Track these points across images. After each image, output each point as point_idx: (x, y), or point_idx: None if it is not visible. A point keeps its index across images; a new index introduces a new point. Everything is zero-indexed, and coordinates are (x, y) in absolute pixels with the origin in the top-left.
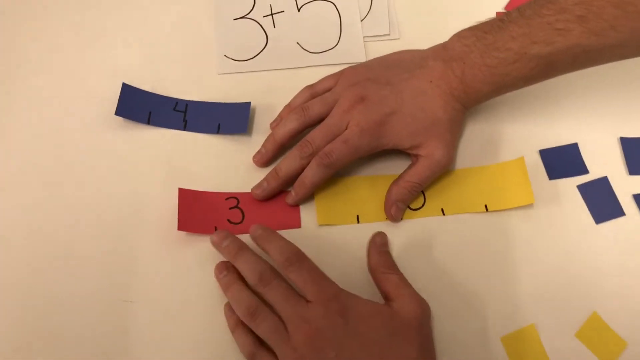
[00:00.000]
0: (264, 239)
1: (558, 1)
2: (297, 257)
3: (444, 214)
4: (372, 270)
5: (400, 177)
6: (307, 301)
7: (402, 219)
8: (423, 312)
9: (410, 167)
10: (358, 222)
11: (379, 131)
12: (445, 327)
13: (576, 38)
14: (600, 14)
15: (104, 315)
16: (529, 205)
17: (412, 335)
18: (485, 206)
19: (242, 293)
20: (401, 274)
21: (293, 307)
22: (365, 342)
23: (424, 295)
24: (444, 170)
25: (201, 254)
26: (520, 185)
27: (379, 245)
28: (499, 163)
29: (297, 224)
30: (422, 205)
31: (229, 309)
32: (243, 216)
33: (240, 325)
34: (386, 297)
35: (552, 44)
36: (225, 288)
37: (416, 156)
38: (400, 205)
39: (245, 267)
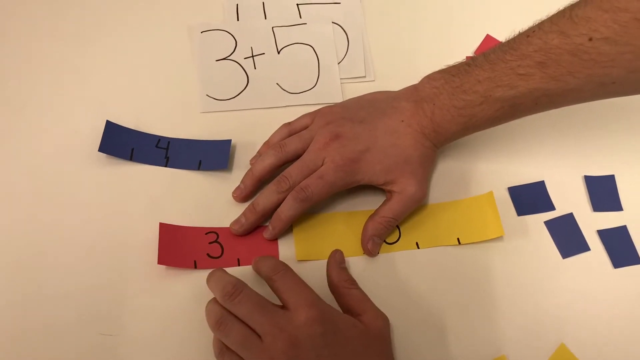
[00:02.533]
0: (257, 261)
1: (520, 48)
2: (284, 267)
3: (418, 248)
4: (334, 285)
5: (375, 212)
6: (286, 310)
7: (378, 253)
8: (387, 326)
9: (385, 202)
10: None
11: (353, 167)
12: (418, 358)
13: (537, 82)
14: (558, 61)
15: (84, 348)
16: (500, 239)
17: (383, 348)
18: (458, 239)
19: (211, 306)
20: (361, 289)
21: (268, 316)
22: (342, 352)
23: (399, 326)
24: (418, 204)
25: (181, 288)
26: (490, 219)
27: (338, 261)
28: (469, 198)
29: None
30: (398, 239)
31: (215, 338)
32: (222, 250)
33: (225, 351)
34: (350, 312)
35: (515, 87)
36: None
37: (390, 192)
38: (377, 240)
39: (212, 285)
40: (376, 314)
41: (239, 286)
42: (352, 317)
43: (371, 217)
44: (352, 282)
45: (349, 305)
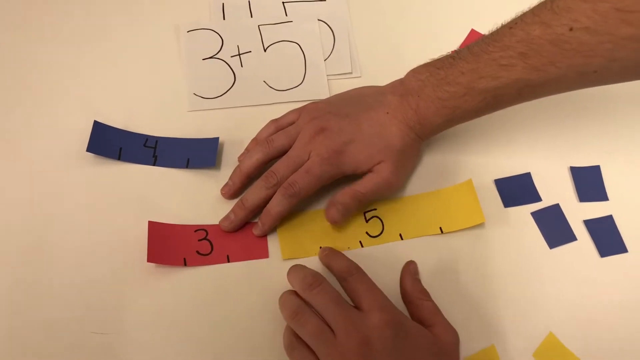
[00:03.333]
0: (328, 256)
1: (502, 39)
2: (358, 269)
3: (402, 239)
4: (407, 295)
5: (347, 185)
6: (359, 310)
7: (340, 222)
8: (458, 341)
9: (359, 179)
10: None
11: (338, 159)
12: None
13: (519, 73)
14: (539, 51)
15: (76, 347)
16: (486, 230)
17: None
18: (440, 228)
19: (288, 296)
20: (434, 301)
21: (343, 312)
22: (410, 358)
23: None
24: (389, 190)
25: (171, 285)
26: (471, 207)
27: (412, 272)
28: (449, 187)
29: (265, 255)
30: (381, 232)
31: (287, 331)
32: (212, 247)
33: (293, 335)
34: (421, 323)
35: (498, 78)
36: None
37: (368, 172)
38: (340, 207)
39: (292, 277)
40: (447, 328)
41: (318, 278)
42: (423, 327)
43: (343, 188)
44: (426, 294)
45: (421, 316)
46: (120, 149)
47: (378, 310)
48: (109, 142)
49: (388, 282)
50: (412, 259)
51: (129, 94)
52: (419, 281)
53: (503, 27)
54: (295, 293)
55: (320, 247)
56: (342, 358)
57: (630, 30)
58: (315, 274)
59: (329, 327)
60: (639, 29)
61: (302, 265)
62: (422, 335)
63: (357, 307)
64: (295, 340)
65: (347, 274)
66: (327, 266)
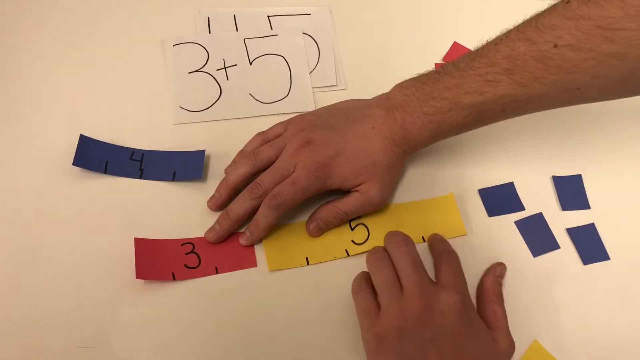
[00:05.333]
0: (436, 238)
1: (488, 55)
2: (453, 253)
3: None
4: (483, 291)
5: (332, 201)
6: (436, 283)
7: (318, 236)
8: (512, 353)
9: (344, 196)
10: (308, 263)
11: (324, 172)
12: None
13: (504, 89)
14: (524, 67)
15: None
16: (471, 239)
17: None
18: (423, 237)
19: (378, 247)
20: (504, 308)
21: (419, 276)
22: (461, 346)
23: None
24: (374, 208)
25: (160, 300)
26: (452, 219)
27: (497, 274)
28: (431, 198)
29: (253, 264)
30: (367, 240)
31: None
32: (200, 260)
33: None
34: (485, 323)
35: (483, 94)
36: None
37: (353, 190)
38: (321, 224)
39: (388, 234)
40: (507, 336)
41: (408, 241)
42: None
43: (325, 203)
44: (500, 299)
45: (486, 316)
46: (107, 162)
47: (454, 290)
48: (95, 156)
49: None
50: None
51: (115, 107)
52: (499, 284)
53: (488, 43)
54: (384, 249)
55: (433, 233)
56: (400, 313)
57: (612, 48)
58: (407, 238)
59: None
60: (620, 46)
61: (400, 231)
62: (483, 332)
63: (436, 281)
64: (364, 284)
65: (444, 252)
66: (431, 244)
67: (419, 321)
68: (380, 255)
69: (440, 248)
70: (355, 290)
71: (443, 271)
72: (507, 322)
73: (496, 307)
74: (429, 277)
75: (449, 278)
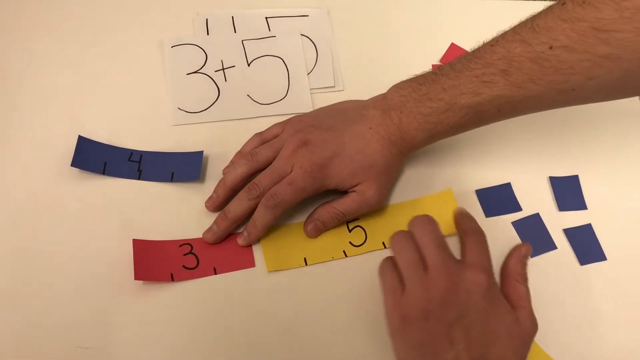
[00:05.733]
0: (461, 215)
1: (484, 56)
2: (481, 233)
3: (385, 247)
4: (506, 271)
5: (329, 202)
6: (461, 262)
7: (316, 237)
8: (535, 332)
9: (341, 196)
10: (306, 264)
11: (321, 173)
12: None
13: (500, 89)
14: (520, 68)
15: None
16: None
17: (521, 349)
18: None
19: (403, 231)
20: (528, 287)
21: (443, 255)
22: (486, 325)
23: (371, 324)
24: (371, 209)
25: (159, 301)
26: (451, 215)
27: (522, 255)
28: (429, 195)
29: (252, 264)
30: (365, 242)
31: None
32: (198, 261)
33: (389, 261)
34: (509, 302)
35: (479, 94)
36: None
37: (351, 191)
38: (319, 225)
39: (415, 217)
40: (531, 316)
41: (432, 220)
42: (510, 307)
43: (323, 204)
44: (524, 278)
45: (510, 295)
46: (105, 163)
47: (478, 269)
48: (93, 157)
49: (372, 290)
50: None
51: (113, 108)
52: (524, 264)
53: (485, 44)
54: (411, 233)
55: (459, 208)
56: (425, 293)
57: (607, 49)
58: (430, 218)
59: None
60: (614, 47)
61: (426, 215)
62: (507, 312)
63: (462, 260)
64: (390, 264)
65: (471, 231)
66: (457, 220)
67: (444, 301)
68: (404, 235)
69: (468, 226)
70: (381, 271)
71: (469, 249)
72: (530, 302)
73: (520, 287)
74: (453, 256)
75: (475, 256)
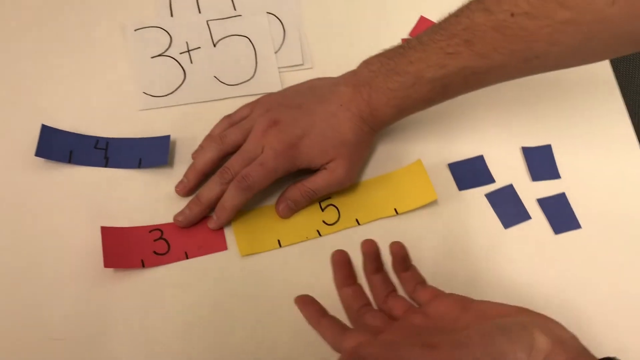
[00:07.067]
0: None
1: (449, 28)
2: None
3: (359, 224)
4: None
5: (299, 180)
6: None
7: (290, 216)
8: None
9: (312, 174)
10: (280, 246)
11: (292, 152)
12: None
13: (465, 60)
14: (483, 38)
15: (35, 354)
16: (442, 214)
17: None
18: (395, 209)
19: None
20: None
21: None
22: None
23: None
24: (342, 186)
25: (128, 290)
26: (422, 185)
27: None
28: (400, 169)
29: (223, 247)
30: (338, 219)
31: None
32: (169, 246)
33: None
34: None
35: (445, 66)
36: None
37: (322, 168)
38: (291, 204)
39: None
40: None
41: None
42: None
43: (294, 183)
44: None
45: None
46: (71, 152)
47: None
48: (58, 146)
49: None
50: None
51: (77, 95)
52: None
53: (450, 15)
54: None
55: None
56: None
57: (567, 14)
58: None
59: None
60: (575, 12)
61: None
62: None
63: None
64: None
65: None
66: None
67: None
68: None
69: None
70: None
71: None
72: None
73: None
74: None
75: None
